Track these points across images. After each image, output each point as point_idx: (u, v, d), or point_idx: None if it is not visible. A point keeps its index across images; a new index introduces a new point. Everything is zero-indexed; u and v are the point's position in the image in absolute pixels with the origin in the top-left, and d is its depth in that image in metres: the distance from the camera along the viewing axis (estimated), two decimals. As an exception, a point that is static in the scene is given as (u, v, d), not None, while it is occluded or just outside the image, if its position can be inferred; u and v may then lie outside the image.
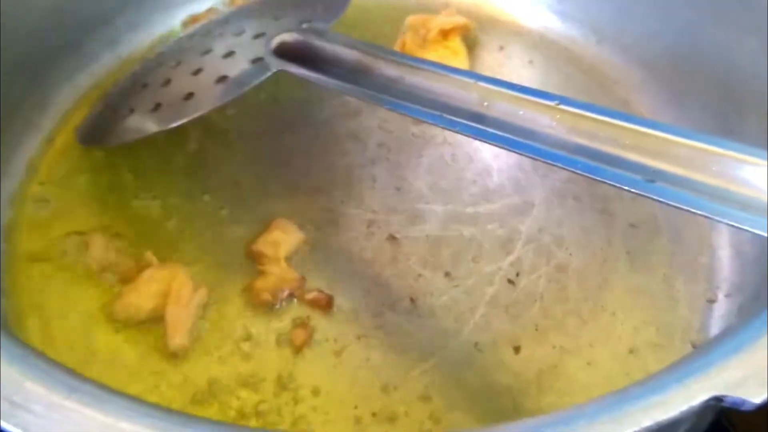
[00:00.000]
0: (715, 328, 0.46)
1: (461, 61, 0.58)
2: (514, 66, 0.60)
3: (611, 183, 0.34)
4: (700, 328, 0.46)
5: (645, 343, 0.46)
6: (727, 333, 0.32)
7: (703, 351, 0.30)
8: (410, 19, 0.59)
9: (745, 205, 0.31)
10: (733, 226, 0.31)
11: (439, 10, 0.61)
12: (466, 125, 0.39)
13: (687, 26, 0.53)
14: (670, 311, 0.47)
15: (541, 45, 0.61)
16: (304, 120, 0.56)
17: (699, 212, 0.32)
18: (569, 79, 0.59)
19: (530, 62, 0.60)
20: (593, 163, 0.35)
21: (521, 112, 0.38)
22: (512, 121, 0.38)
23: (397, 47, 0.59)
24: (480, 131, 0.39)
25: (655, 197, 0.33)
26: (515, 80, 0.57)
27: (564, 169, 0.36)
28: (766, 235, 0.30)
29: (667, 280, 0.48)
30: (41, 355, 0.29)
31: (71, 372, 0.28)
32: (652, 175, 0.34)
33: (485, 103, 0.40)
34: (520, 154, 0.37)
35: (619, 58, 0.58)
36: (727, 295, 0.47)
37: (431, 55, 0.57)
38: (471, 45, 0.60)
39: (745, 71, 0.48)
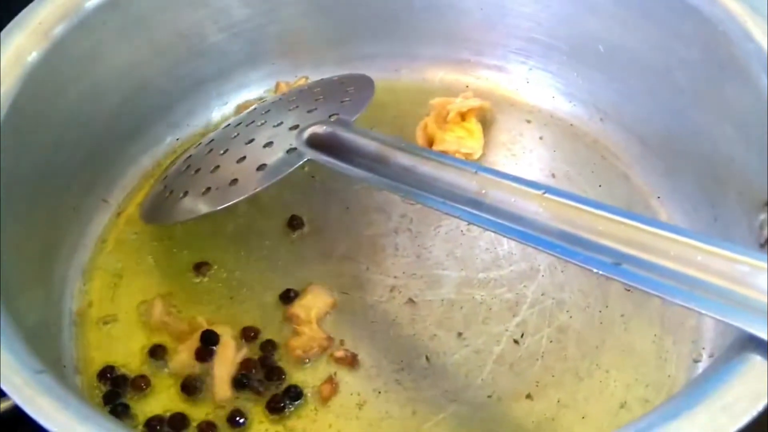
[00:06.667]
0: (698, 386, 0.51)
1: (476, 140, 0.64)
2: (526, 142, 0.66)
3: (582, 265, 0.40)
4: (685, 385, 0.51)
5: (635, 398, 0.51)
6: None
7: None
8: (433, 102, 0.66)
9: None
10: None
11: (460, 92, 0.67)
12: (466, 211, 0.45)
13: (676, 111, 0.58)
14: (659, 370, 0.52)
15: (551, 123, 0.67)
16: (336, 194, 0.63)
17: (656, 294, 0.38)
18: (575, 153, 0.65)
19: (540, 138, 0.66)
20: (571, 247, 0.42)
21: (513, 200, 0.45)
22: (506, 208, 0.44)
23: (419, 127, 0.65)
24: (476, 217, 0.45)
25: (620, 279, 0.39)
26: (527, 155, 0.65)
27: (546, 252, 0.42)
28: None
29: (657, 341, 0.54)
30: None
31: None
32: (619, 259, 0.40)
33: (483, 191, 0.46)
34: (511, 239, 0.44)
35: (620, 134, 0.64)
36: (710, 356, 0.52)
37: (450, 134, 0.64)
38: (488, 124, 0.66)
39: (723, 154, 0.54)
